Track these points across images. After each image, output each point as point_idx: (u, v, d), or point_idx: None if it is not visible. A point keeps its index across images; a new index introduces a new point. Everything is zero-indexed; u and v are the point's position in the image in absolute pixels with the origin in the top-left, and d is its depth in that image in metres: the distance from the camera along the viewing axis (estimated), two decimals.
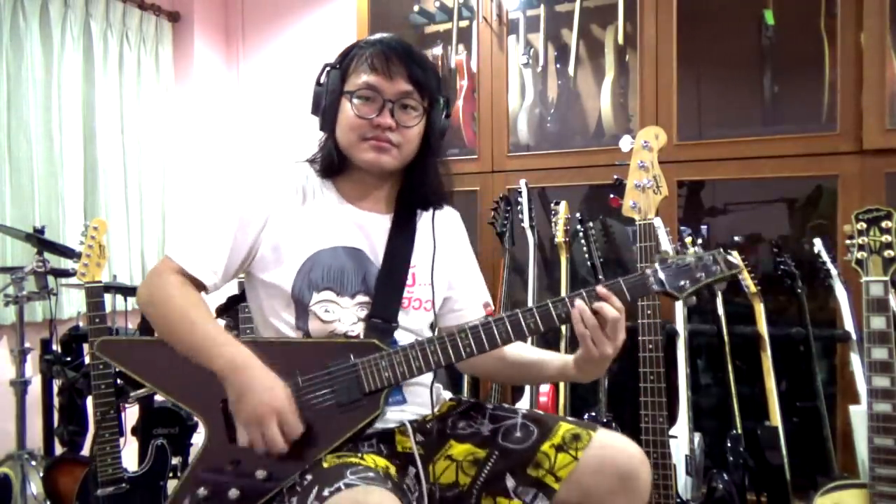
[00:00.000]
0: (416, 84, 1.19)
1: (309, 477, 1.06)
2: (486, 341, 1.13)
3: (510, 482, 1.18)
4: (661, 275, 1.15)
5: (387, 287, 1.23)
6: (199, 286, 1.19)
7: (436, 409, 1.29)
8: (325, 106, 1.23)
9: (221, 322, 1.35)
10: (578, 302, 1.13)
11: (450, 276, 1.35)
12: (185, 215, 3.42)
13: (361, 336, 1.20)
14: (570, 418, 1.26)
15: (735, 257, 2.09)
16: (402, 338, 1.23)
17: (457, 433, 1.26)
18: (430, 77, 1.22)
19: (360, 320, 1.21)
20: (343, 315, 1.20)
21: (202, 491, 1.09)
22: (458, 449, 1.24)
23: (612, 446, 1.18)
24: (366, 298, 1.22)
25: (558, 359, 1.27)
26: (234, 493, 1.08)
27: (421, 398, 1.26)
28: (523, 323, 1.13)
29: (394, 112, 1.19)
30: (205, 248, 1.20)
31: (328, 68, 1.24)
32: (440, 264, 1.30)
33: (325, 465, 1.08)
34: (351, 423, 1.12)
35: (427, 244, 1.29)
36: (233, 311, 1.94)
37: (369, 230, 1.26)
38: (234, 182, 1.28)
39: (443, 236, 1.33)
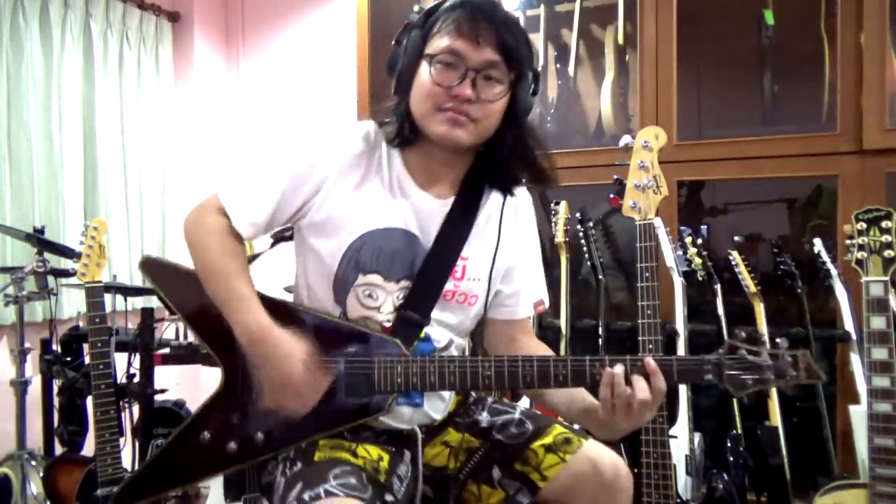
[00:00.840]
0: (505, 53, 1.07)
1: (299, 465, 1.08)
2: (507, 380, 1.08)
3: (496, 473, 1.19)
4: (724, 368, 1.02)
5: (428, 278, 1.16)
6: (236, 235, 1.17)
7: (447, 412, 1.29)
8: (402, 68, 1.12)
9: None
10: (618, 368, 1.03)
11: (507, 269, 1.25)
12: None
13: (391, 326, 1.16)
14: (564, 423, 1.25)
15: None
16: (437, 333, 1.19)
17: (455, 421, 1.27)
18: (522, 47, 1.10)
19: (395, 309, 1.16)
20: (385, 301, 1.16)
21: (206, 434, 1.13)
22: (455, 436, 1.25)
23: (600, 456, 1.16)
24: (409, 284, 1.16)
25: (587, 402, 1.15)
26: (231, 446, 1.12)
27: (437, 405, 1.25)
28: (552, 374, 1.07)
29: (476, 83, 1.07)
30: (250, 198, 1.16)
31: (409, 27, 1.13)
32: (491, 259, 1.21)
33: (317, 455, 1.09)
34: (352, 417, 1.13)
35: (486, 237, 1.21)
36: None
37: (426, 215, 1.17)
38: (301, 135, 1.20)
39: (508, 226, 1.23)
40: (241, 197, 1.16)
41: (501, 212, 1.21)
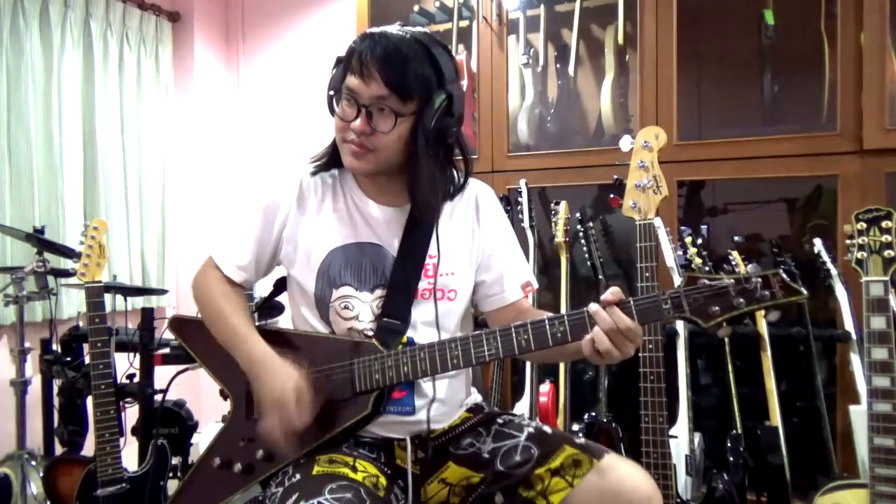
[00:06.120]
0: (393, 88, 1.12)
1: (298, 476, 1.11)
2: (473, 356, 1.11)
3: (498, 498, 1.19)
4: (683, 299, 1.02)
5: (400, 282, 1.21)
6: (233, 282, 1.29)
7: (448, 423, 1.29)
8: (328, 100, 1.22)
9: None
10: (592, 306, 1.05)
11: (482, 259, 1.31)
12: (187, 215, 3.42)
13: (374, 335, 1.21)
14: (579, 440, 1.20)
15: (737, 258, 2.11)
16: (421, 335, 1.22)
17: (457, 454, 1.25)
18: (413, 79, 1.13)
19: (375, 318, 1.21)
20: (362, 310, 1.22)
21: (216, 461, 1.25)
22: (454, 472, 1.24)
23: (616, 476, 1.12)
24: (384, 292, 1.22)
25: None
26: (238, 467, 1.22)
27: (436, 412, 1.24)
28: (514, 340, 1.09)
29: (371, 115, 1.14)
30: (232, 247, 1.29)
31: (338, 62, 1.22)
32: (463, 251, 1.28)
33: (315, 469, 1.12)
34: (340, 421, 1.17)
35: (450, 232, 1.26)
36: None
37: (385, 224, 1.25)
38: (262, 181, 1.31)
39: (462, 223, 1.29)
40: (225, 248, 1.30)
41: (448, 208, 1.27)
